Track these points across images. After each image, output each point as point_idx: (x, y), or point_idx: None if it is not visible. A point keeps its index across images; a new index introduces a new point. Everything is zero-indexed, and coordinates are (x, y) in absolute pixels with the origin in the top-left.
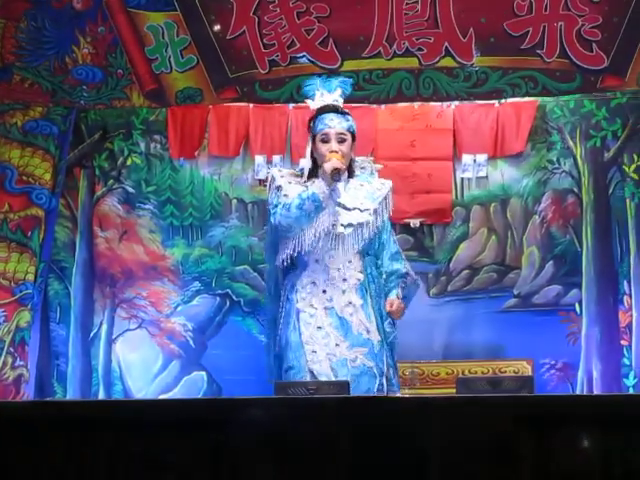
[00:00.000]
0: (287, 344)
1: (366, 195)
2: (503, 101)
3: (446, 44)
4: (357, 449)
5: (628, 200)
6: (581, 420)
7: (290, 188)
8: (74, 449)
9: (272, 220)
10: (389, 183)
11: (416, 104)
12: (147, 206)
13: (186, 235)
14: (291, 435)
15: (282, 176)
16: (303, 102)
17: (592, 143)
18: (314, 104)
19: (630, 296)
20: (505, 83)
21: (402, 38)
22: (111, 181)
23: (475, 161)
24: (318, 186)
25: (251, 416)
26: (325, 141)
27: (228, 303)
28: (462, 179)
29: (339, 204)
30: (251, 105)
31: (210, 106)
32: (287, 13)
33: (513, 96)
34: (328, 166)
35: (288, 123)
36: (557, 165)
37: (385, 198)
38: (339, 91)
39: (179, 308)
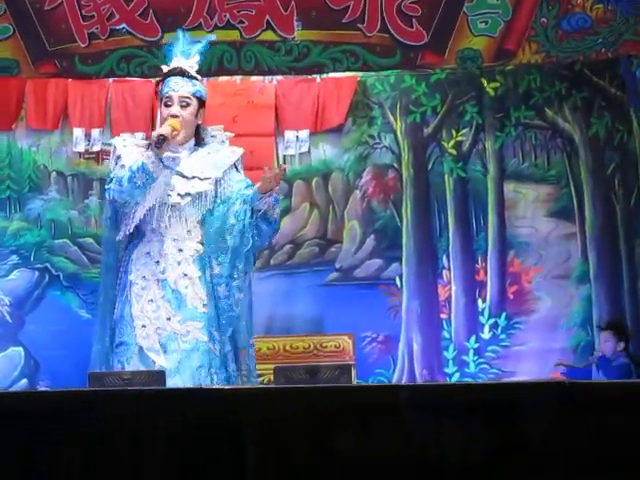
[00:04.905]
0: (120, 318)
1: (211, 163)
2: (324, 76)
3: (267, 17)
4: (171, 443)
5: (447, 175)
6: (397, 408)
7: (128, 157)
8: None
9: (107, 195)
10: (240, 150)
11: (238, 79)
12: None
13: (3, 208)
14: (102, 429)
15: (125, 145)
16: (123, 76)
17: (412, 118)
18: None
19: (449, 270)
20: (326, 57)
21: (223, 10)
22: None
23: (298, 137)
24: (147, 155)
25: (62, 410)
26: (168, 105)
27: (47, 277)
28: (285, 156)
29: (178, 172)
30: (70, 79)
31: (28, 79)
32: None
33: (334, 71)
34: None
35: (108, 97)
36: (378, 140)
37: (233, 167)
38: (197, 58)
39: None
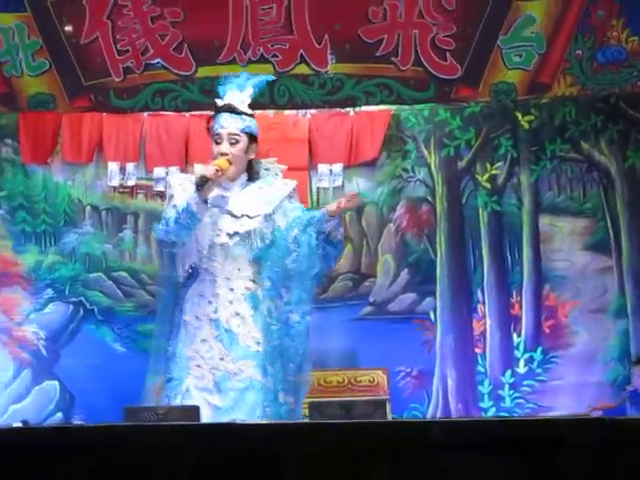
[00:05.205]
0: (172, 355)
1: (262, 199)
2: (358, 109)
3: (301, 51)
4: (207, 478)
5: (481, 209)
6: (431, 444)
7: (180, 197)
8: None
9: (155, 235)
10: (292, 183)
11: (271, 113)
12: None
13: (39, 241)
14: (137, 464)
15: (180, 184)
16: (158, 110)
17: (446, 152)
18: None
19: (484, 304)
20: (360, 91)
21: (257, 44)
22: None
23: (331, 171)
24: (192, 196)
25: (99, 443)
26: (218, 142)
27: (82, 311)
28: (318, 189)
29: (227, 211)
30: (105, 113)
31: (63, 114)
32: (141, 17)
33: (368, 104)
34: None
35: (142, 131)
36: (412, 174)
37: (286, 199)
38: (250, 90)
39: (31, 316)
